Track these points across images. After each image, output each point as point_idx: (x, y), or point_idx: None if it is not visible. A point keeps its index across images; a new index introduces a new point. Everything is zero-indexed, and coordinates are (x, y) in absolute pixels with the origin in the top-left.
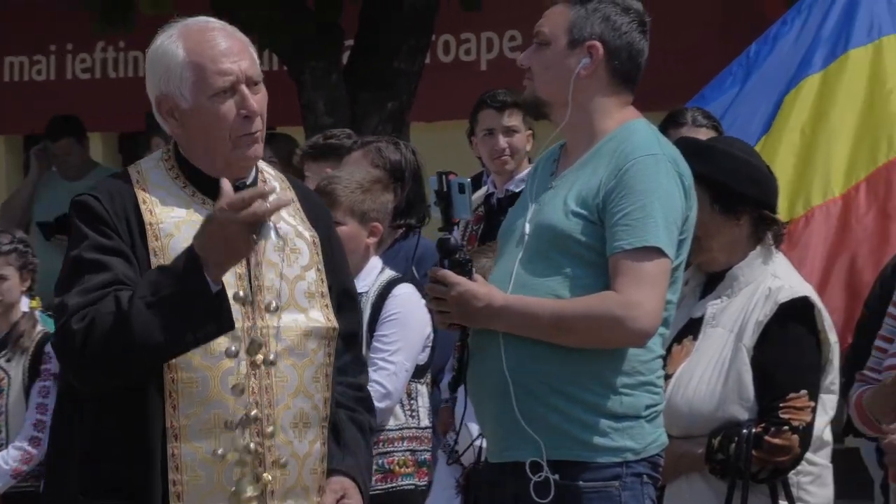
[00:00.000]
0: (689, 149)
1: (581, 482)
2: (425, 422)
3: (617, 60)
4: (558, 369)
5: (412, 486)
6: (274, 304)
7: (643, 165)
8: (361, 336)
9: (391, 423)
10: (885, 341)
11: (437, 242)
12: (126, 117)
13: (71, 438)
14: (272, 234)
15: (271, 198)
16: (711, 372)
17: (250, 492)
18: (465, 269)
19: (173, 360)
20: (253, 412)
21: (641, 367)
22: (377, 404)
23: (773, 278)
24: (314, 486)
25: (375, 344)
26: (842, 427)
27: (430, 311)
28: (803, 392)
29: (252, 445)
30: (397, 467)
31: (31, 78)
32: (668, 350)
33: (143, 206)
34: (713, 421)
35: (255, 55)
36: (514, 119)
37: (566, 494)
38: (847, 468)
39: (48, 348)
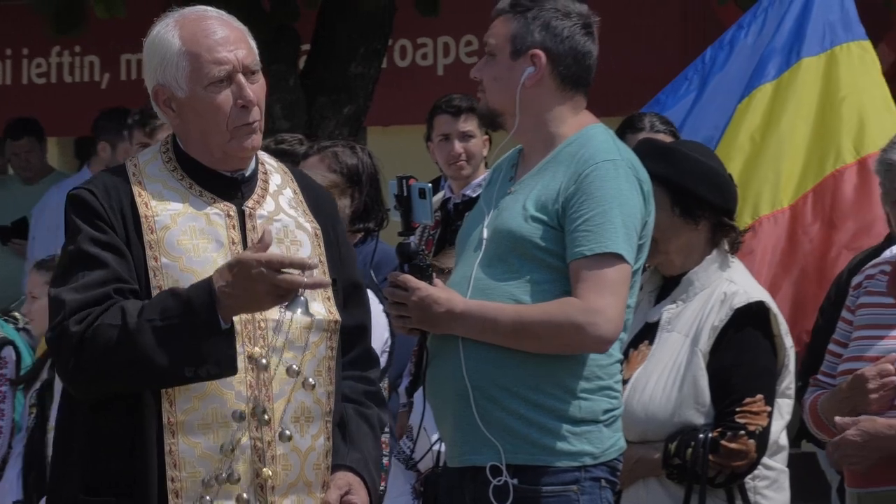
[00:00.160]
0: (653, 151)
1: (540, 486)
2: None
3: (562, 66)
4: (517, 374)
5: None
6: None
7: (603, 171)
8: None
9: None
10: (839, 346)
11: (397, 247)
12: (82, 122)
13: (72, 437)
14: (299, 310)
15: (314, 272)
16: (667, 377)
17: (250, 487)
18: (425, 274)
19: None
20: (252, 406)
21: (600, 371)
22: None
23: (729, 283)
24: (318, 481)
25: None
26: (793, 433)
27: (389, 315)
28: (759, 396)
29: (251, 440)
30: None
31: None
32: (626, 355)
33: (138, 200)
34: (669, 426)
35: (254, 44)
36: (469, 124)
37: (525, 498)
38: (804, 472)
39: (5, 353)
